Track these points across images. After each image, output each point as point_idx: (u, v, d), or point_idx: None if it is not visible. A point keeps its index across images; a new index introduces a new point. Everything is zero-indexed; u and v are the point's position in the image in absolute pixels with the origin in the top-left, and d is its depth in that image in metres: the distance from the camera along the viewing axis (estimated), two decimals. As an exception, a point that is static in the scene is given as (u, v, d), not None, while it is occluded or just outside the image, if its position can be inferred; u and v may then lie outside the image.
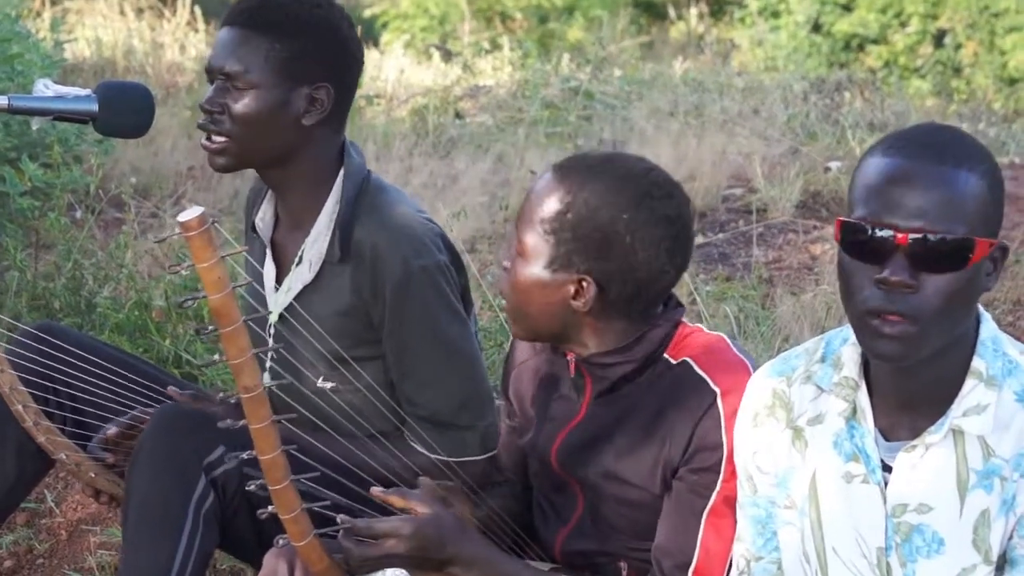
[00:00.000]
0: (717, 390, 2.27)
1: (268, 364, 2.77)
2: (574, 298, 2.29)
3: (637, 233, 2.26)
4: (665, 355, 2.34)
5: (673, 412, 2.29)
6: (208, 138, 2.70)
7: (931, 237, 1.86)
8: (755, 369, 2.29)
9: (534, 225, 2.30)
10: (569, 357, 2.40)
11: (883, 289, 1.88)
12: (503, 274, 2.37)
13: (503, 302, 2.39)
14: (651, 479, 2.32)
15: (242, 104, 2.66)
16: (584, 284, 2.28)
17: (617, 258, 2.27)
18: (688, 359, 2.32)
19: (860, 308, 1.91)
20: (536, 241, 2.30)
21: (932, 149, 1.90)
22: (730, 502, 2.24)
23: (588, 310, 2.30)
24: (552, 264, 2.29)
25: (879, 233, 1.88)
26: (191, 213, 2.07)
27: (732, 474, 2.23)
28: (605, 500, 2.39)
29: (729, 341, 2.36)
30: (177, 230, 2.09)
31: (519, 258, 2.32)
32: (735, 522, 2.24)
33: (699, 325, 2.40)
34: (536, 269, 2.30)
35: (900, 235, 1.87)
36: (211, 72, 2.71)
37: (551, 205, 2.29)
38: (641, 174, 2.31)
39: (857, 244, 1.90)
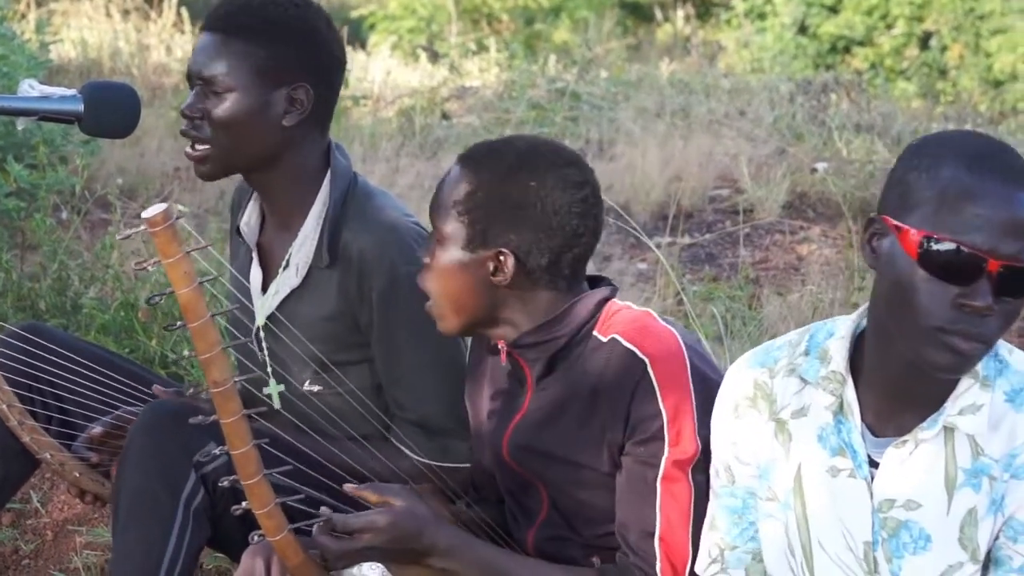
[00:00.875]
0: (646, 359, 2.29)
1: (268, 368, 2.76)
2: (494, 274, 2.34)
3: (547, 199, 2.32)
4: (595, 333, 2.37)
5: (608, 389, 2.32)
6: (192, 147, 2.70)
7: (1020, 266, 1.85)
8: (682, 336, 2.33)
9: (447, 211, 2.36)
10: (500, 346, 2.42)
11: (963, 312, 1.86)
12: (424, 271, 2.41)
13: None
14: (597, 458, 2.34)
15: (222, 108, 2.65)
16: (502, 258, 2.33)
17: (531, 227, 2.32)
18: (616, 335, 2.34)
19: (929, 324, 1.88)
20: (451, 226, 2.35)
21: (1014, 171, 1.88)
22: (680, 465, 2.27)
23: (510, 284, 2.34)
24: (470, 244, 2.34)
25: (970, 256, 1.85)
26: (155, 209, 2.08)
27: (677, 437, 2.26)
28: (565, 490, 2.41)
29: (655, 313, 2.39)
30: (142, 226, 2.09)
31: (438, 248, 2.37)
32: (689, 483, 2.27)
33: (627, 303, 2.42)
34: (455, 251, 2.35)
35: (993, 261, 1.84)
36: (191, 78, 2.71)
37: (461, 189, 2.35)
38: (543, 146, 2.39)
39: (939, 262, 1.86)
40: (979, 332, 1.87)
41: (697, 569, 2.24)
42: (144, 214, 2.08)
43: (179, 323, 2.16)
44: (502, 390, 2.49)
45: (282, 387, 2.77)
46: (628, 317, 2.37)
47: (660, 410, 2.27)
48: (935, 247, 1.86)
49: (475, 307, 2.37)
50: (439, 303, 2.39)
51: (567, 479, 2.39)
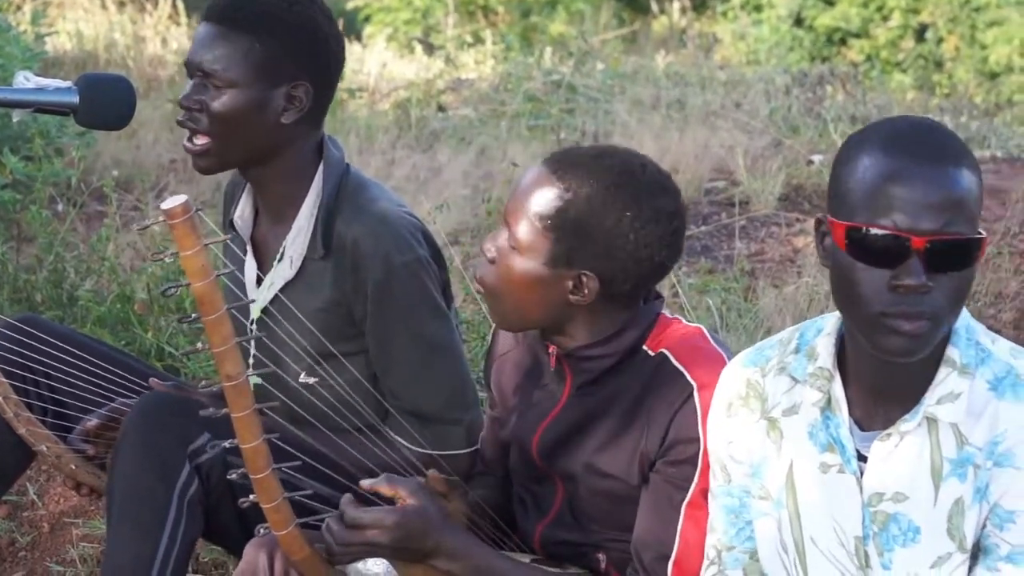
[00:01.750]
0: (694, 384, 2.28)
1: (251, 359, 2.76)
2: (573, 292, 2.29)
3: (641, 231, 2.27)
4: (644, 346, 2.34)
5: (650, 404, 2.30)
6: (190, 139, 2.69)
7: (945, 239, 1.86)
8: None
9: (530, 220, 2.29)
10: (551, 350, 2.40)
11: (899, 293, 1.88)
12: (488, 266, 2.35)
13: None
14: (629, 470, 2.33)
15: (220, 102, 2.65)
16: (585, 279, 2.28)
17: (621, 256, 2.27)
18: (665, 350, 2.32)
19: (872, 311, 1.90)
20: (534, 237, 2.29)
21: (929, 147, 1.90)
22: (708, 494, 2.24)
23: (587, 304, 2.30)
24: (553, 261, 2.29)
25: (893, 238, 1.87)
26: (175, 201, 2.07)
27: (709, 466, 2.23)
28: (584, 491, 2.40)
29: (707, 333, 2.37)
30: (161, 218, 2.09)
31: (514, 252, 2.31)
32: None
33: (678, 316, 2.40)
34: (534, 264, 2.29)
35: (917, 239, 1.86)
36: (190, 67, 2.70)
37: (549, 202, 2.28)
38: (638, 170, 2.32)
39: (866, 249, 1.89)
40: (920, 310, 1.88)
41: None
42: (163, 205, 2.08)
43: (194, 315, 2.16)
44: (536, 383, 2.47)
45: (258, 380, 2.77)
46: (680, 334, 2.36)
47: (699, 436, 2.26)
48: (860, 235, 1.89)
49: (542, 318, 2.34)
50: (502, 304, 2.35)
51: (592, 485, 2.38)
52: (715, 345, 2.35)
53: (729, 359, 2.30)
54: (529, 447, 2.45)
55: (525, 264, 2.30)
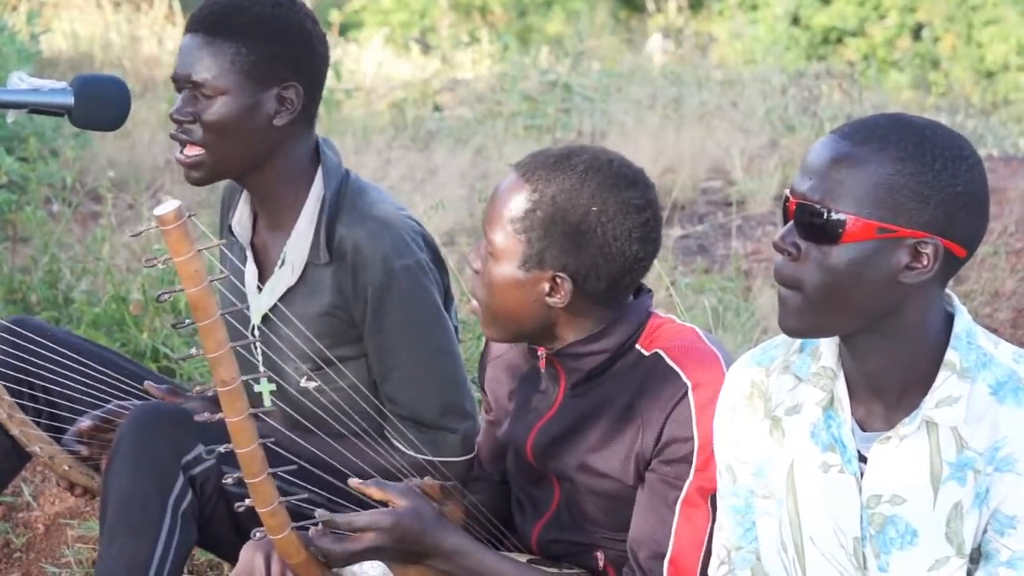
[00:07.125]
0: (689, 383, 2.28)
1: (260, 367, 2.75)
2: (549, 295, 2.30)
3: (608, 225, 2.27)
4: (637, 346, 2.35)
5: (645, 403, 2.30)
6: (181, 151, 2.68)
7: (807, 204, 1.89)
8: (726, 361, 2.30)
9: (503, 225, 2.30)
10: (540, 352, 2.40)
11: (781, 255, 1.93)
12: (475, 276, 2.36)
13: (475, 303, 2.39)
14: (624, 470, 2.33)
15: (212, 111, 2.63)
16: (559, 280, 2.28)
17: (590, 252, 2.27)
18: (660, 350, 2.32)
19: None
20: (507, 241, 2.30)
21: (863, 130, 1.91)
22: (703, 492, 2.25)
23: (564, 305, 2.30)
24: (526, 263, 2.29)
25: (785, 198, 1.94)
26: (168, 207, 2.07)
27: (705, 464, 2.24)
28: (581, 492, 2.39)
29: (701, 332, 2.37)
30: (153, 223, 2.08)
31: (491, 259, 2.32)
32: (709, 512, 2.25)
33: (671, 316, 2.40)
34: (510, 269, 2.30)
35: (793, 199, 1.91)
36: (178, 81, 2.68)
37: (518, 204, 2.29)
38: (605, 165, 2.32)
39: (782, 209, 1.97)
40: (781, 272, 1.93)
41: (709, 571, 2.23)
42: (156, 211, 2.07)
43: (187, 321, 2.15)
44: (530, 386, 2.47)
45: (273, 386, 2.77)
46: (673, 333, 2.35)
47: (693, 435, 2.26)
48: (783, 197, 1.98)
49: (526, 323, 2.34)
50: (489, 313, 2.35)
51: (587, 485, 2.38)
52: (710, 344, 2.35)
53: (724, 358, 2.31)
54: (524, 449, 2.44)
55: (501, 269, 2.31)
